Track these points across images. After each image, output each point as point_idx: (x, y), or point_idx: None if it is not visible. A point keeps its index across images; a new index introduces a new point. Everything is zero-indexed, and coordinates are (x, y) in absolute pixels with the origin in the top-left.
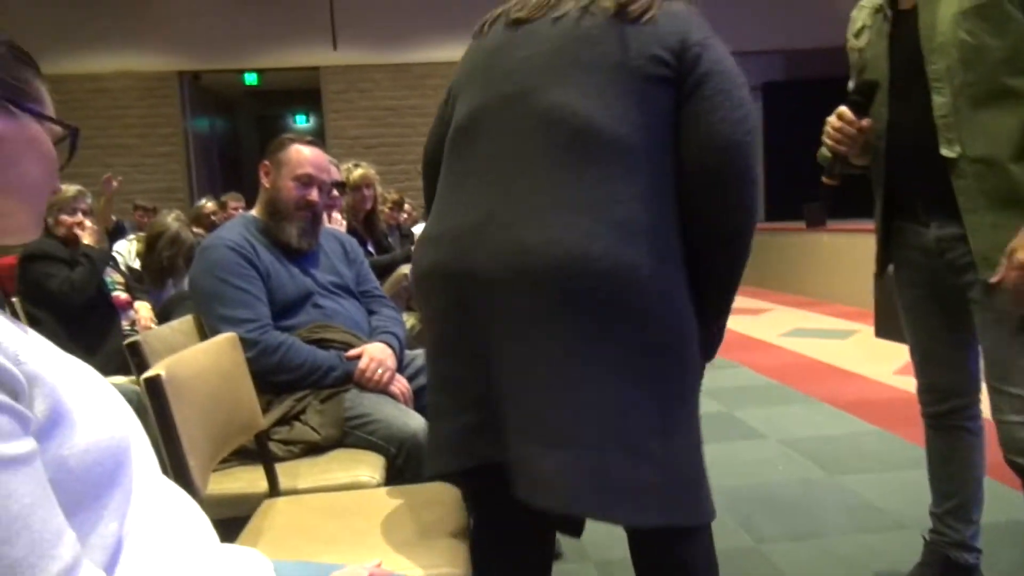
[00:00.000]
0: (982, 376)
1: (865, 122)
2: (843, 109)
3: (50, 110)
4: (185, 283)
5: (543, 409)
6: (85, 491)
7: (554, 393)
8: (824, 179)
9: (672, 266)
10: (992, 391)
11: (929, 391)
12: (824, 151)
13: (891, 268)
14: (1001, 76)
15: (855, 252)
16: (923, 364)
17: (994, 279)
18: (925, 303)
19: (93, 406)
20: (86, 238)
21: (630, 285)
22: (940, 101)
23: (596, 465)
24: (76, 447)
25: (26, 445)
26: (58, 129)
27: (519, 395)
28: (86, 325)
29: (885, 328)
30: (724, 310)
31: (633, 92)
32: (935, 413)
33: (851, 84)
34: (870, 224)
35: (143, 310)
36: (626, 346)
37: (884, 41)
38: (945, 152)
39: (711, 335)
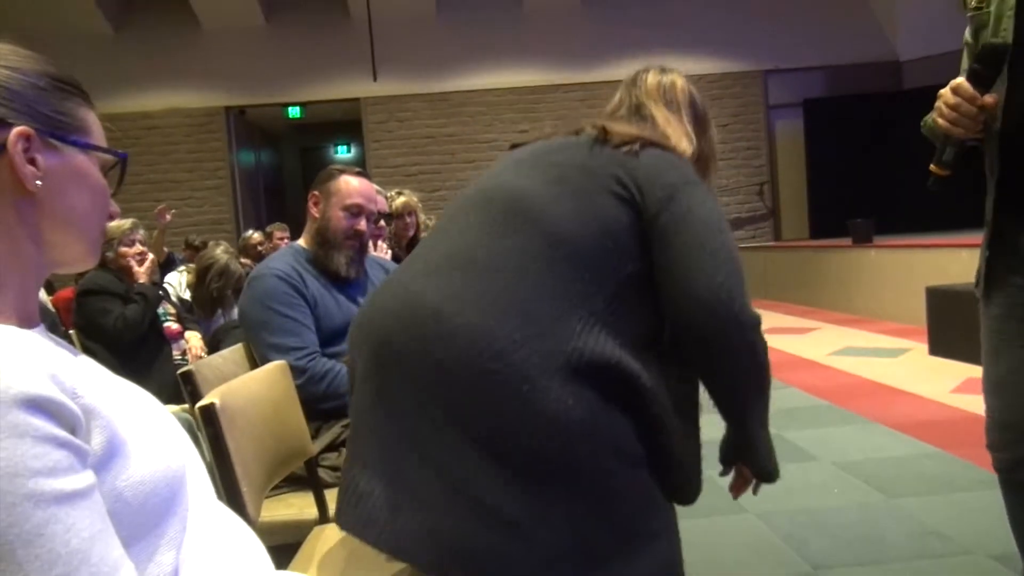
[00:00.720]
0: None
1: (989, 98)
2: (961, 82)
3: (98, 138)
4: (234, 313)
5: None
6: (142, 522)
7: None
8: (933, 167)
9: (552, 367)
10: None
11: (1003, 430)
12: (930, 118)
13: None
14: None
15: (903, 268)
16: (998, 395)
17: None
18: (1019, 324)
19: (149, 436)
20: (142, 276)
21: (479, 349)
22: None
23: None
24: (132, 478)
25: (85, 479)
26: (107, 157)
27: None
28: (138, 356)
29: (940, 345)
30: (753, 435)
31: (585, 191)
32: (1009, 462)
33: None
34: (918, 239)
35: (193, 340)
36: (465, 414)
37: None
38: None
39: (752, 447)
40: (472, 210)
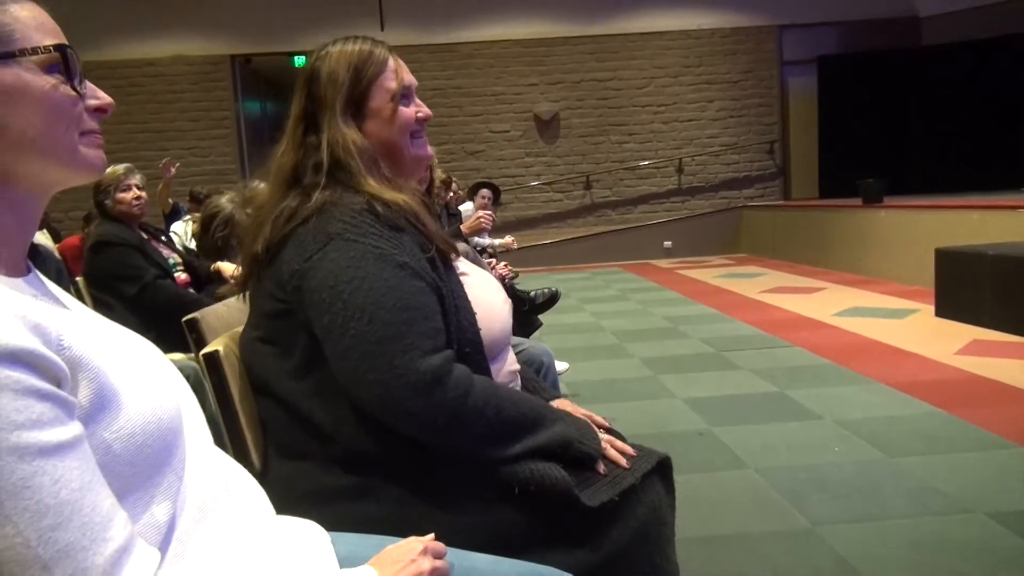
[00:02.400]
0: None
1: None
2: None
3: (27, 32)
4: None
5: None
6: (134, 473)
7: None
8: None
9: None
10: None
11: None
12: None
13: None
14: None
15: (913, 229)
16: None
17: None
18: None
19: (142, 386)
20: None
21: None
22: None
23: None
24: (123, 431)
25: (71, 430)
26: (43, 56)
27: None
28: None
29: (947, 307)
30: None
31: (262, 325)
32: None
33: None
34: (929, 200)
35: (228, 269)
36: None
37: None
38: None
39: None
40: None
